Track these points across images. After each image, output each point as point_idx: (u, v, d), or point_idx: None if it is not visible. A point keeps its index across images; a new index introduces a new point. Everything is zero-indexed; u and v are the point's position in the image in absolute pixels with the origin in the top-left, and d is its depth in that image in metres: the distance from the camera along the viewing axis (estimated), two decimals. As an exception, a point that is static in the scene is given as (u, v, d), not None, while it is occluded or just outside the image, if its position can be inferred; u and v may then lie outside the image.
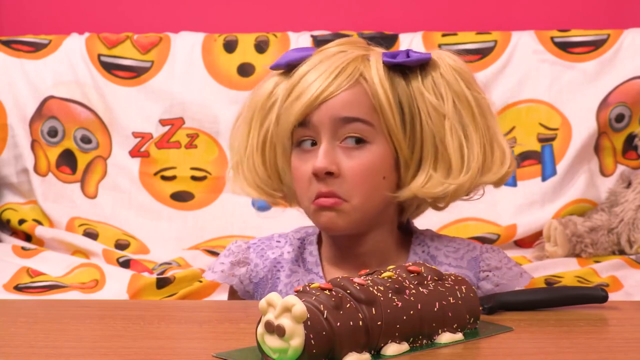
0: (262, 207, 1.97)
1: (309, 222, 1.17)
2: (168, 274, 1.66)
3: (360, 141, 1.09)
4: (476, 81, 1.14)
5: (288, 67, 1.14)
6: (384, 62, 1.10)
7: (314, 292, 0.83)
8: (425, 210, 1.19)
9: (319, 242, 1.19)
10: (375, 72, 1.09)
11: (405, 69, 1.11)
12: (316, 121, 1.09)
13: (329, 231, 1.13)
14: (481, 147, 1.11)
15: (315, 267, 1.17)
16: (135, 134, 2.02)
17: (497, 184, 1.14)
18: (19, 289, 1.63)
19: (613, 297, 1.05)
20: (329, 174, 1.08)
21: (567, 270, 1.70)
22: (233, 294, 1.21)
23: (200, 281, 1.65)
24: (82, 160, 2.02)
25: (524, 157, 1.98)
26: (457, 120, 1.10)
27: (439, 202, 1.15)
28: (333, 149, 1.09)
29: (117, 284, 1.65)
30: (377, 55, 1.12)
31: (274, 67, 1.16)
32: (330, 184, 1.08)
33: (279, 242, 1.20)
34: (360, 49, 1.13)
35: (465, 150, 1.10)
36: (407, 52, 1.12)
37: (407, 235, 1.19)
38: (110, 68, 2.04)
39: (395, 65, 1.11)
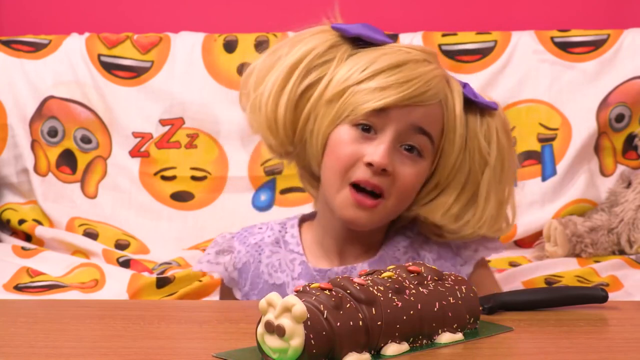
0: (262, 207, 1.97)
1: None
2: (168, 274, 1.66)
3: (418, 154, 1.11)
4: (512, 145, 1.21)
5: (352, 38, 1.15)
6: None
7: (314, 292, 0.83)
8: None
9: (300, 225, 1.23)
10: (458, 102, 1.13)
11: (467, 104, 1.15)
12: (394, 117, 1.10)
13: (351, 226, 1.14)
14: (496, 205, 1.17)
15: (296, 246, 1.20)
16: (135, 134, 2.02)
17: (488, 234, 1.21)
18: (19, 288, 1.63)
19: (613, 297, 1.05)
20: (384, 171, 1.09)
21: (567, 270, 1.70)
22: (223, 289, 1.26)
23: (200, 281, 1.65)
24: (82, 160, 2.02)
25: (524, 157, 1.98)
26: (496, 174, 1.16)
27: (436, 233, 1.19)
28: (394, 149, 1.10)
29: (117, 284, 1.65)
30: (456, 85, 1.15)
31: (339, 29, 1.15)
32: (379, 178, 1.10)
33: (260, 228, 1.24)
34: (439, 66, 1.15)
35: (491, 201, 1.16)
36: (473, 90, 1.16)
37: None
38: (110, 68, 2.04)
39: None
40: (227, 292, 1.25)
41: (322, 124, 1.13)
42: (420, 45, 1.17)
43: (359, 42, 1.16)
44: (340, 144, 1.11)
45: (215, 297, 1.64)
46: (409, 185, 1.12)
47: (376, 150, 1.09)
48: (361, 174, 1.10)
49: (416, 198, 1.16)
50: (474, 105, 1.16)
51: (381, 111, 1.09)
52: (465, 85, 1.16)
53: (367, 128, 1.10)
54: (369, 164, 1.09)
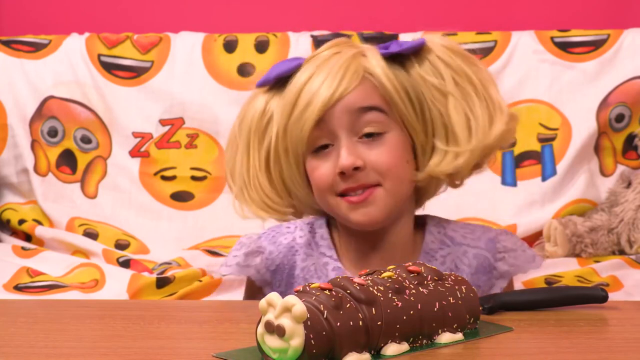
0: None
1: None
2: (168, 274, 1.66)
3: (377, 134, 1.10)
4: (471, 55, 1.17)
5: (276, 82, 1.14)
6: (381, 54, 1.12)
7: (314, 292, 0.83)
8: (441, 191, 1.19)
9: (329, 225, 1.20)
10: (377, 64, 1.11)
11: (401, 58, 1.12)
12: (333, 120, 1.09)
13: (365, 227, 1.13)
14: (486, 116, 1.13)
15: (328, 250, 1.18)
16: (135, 134, 2.02)
17: (502, 143, 1.16)
18: (19, 288, 1.63)
19: (613, 297, 1.05)
20: (356, 169, 1.09)
21: (567, 270, 1.70)
22: (250, 287, 1.21)
23: (200, 281, 1.65)
24: (82, 160, 2.02)
25: (524, 157, 1.98)
26: (460, 95, 1.12)
27: (455, 179, 1.16)
28: (354, 145, 1.09)
29: (117, 284, 1.65)
30: (372, 49, 1.13)
31: (262, 84, 1.16)
32: (358, 178, 1.09)
33: (288, 227, 1.21)
34: (352, 47, 1.14)
35: (472, 122, 1.12)
36: (399, 43, 1.13)
37: (419, 220, 1.20)
38: (110, 68, 2.04)
39: (391, 56, 1.12)
40: (255, 290, 1.22)
41: (294, 171, 1.14)
42: (332, 41, 1.17)
43: (286, 81, 1.15)
44: (313, 173, 1.12)
45: (215, 297, 1.64)
46: (389, 163, 1.10)
47: (339, 158, 1.09)
48: (342, 184, 1.10)
49: (418, 165, 1.14)
50: (407, 56, 1.13)
51: (320, 123, 1.09)
52: (389, 46, 1.13)
53: (322, 147, 1.11)
54: (341, 173, 1.09)
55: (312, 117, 1.09)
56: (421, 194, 1.18)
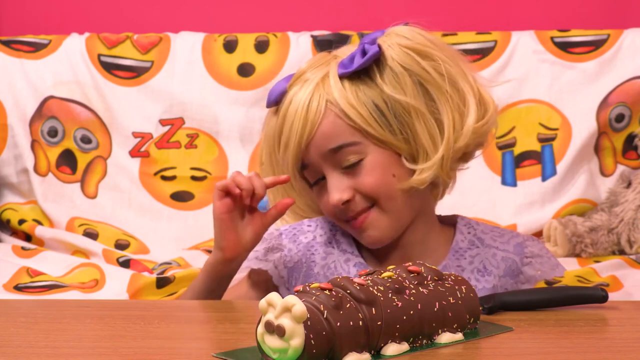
0: (262, 207, 1.97)
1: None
2: (168, 274, 1.66)
3: (356, 162, 1.11)
4: (436, 46, 1.15)
5: (277, 103, 1.17)
6: (340, 76, 1.11)
7: (314, 292, 0.83)
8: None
9: None
10: (337, 92, 1.11)
11: (366, 70, 1.11)
12: (311, 162, 1.13)
13: (375, 246, 1.16)
14: (454, 113, 1.11)
15: (349, 247, 1.19)
16: (135, 134, 2.02)
17: (480, 137, 1.14)
18: (18, 288, 1.62)
19: (613, 297, 1.05)
20: (347, 202, 1.12)
21: (567, 270, 1.70)
22: (257, 283, 1.22)
23: (200, 281, 1.65)
24: (82, 160, 2.02)
25: (524, 157, 1.98)
26: (422, 101, 1.10)
27: (442, 182, 1.17)
28: (339, 177, 1.12)
29: (117, 284, 1.65)
30: (334, 70, 1.12)
31: (269, 106, 1.18)
32: (353, 207, 1.12)
33: (309, 226, 1.22)
34: (321, 68, 1.13)
35: (436, 130, 1.10)
36: (363, 49, 1.12)
37: (449, 220, 1.21)
38: (110, 68, 2.04)
39: (355, 72, 1.11)
40: (260, 286, 1.22)
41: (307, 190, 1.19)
42: (311, 59, 1.18)
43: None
44: (319, 202, 1.17)
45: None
46: (372, 185, 1.12)
47: (329, 195, 1.13)
48: (343, 214, 1.13)
49: (411, 173, 1.12)
50: (370, 67, 1.11)
51: (304, 166, 1.14)
52: (353, 57, 1.11)
53: (318, 181, 1.15)
54: (335, 207, 1.13)
55: (292, 161, 1.13)
56: (435, 184, 1.17)
